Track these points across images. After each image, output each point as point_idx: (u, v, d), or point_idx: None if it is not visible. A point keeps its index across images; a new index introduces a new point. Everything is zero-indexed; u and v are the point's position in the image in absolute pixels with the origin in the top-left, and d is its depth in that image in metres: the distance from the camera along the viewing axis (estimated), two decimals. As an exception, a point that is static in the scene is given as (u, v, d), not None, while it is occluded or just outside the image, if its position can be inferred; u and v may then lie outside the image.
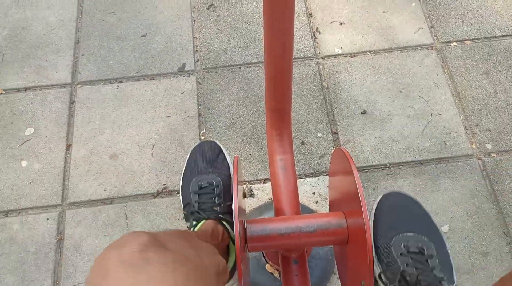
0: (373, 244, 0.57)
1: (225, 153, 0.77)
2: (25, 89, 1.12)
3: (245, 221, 0.57)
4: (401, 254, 0.53)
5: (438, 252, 0.54)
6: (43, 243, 0.92)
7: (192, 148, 0.79)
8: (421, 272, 0.50)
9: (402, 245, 0.54)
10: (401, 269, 0.51)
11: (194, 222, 0.67)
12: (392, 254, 0.53)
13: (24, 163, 1.01)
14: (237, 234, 0.51)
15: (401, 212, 0.59)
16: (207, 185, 0.70)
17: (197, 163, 0.74)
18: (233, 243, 0.66)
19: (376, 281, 0.55)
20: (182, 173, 0.76)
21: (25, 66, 1.15)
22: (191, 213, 0.69)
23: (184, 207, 0.72)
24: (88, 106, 1.09)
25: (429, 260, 0.52)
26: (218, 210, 0.67)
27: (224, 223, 0.67)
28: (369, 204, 0.91)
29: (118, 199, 0.97)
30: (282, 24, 0.52)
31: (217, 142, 0.78)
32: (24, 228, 0.94)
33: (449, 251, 0.56)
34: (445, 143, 1.02)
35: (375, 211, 0.60)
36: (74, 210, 0.96)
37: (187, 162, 0.77)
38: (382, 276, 0.54)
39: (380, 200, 0.61)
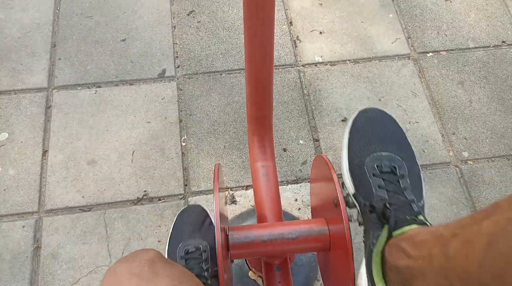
0: (348, 162, 0.55)
1: (211, 218, 0.77)
2: (-1, 93, 1.08)
3: (227, 228, 0.57)
4: (373, 174, 0.51)
5: (410, 172, 0.52)
6: (18, 251, 0.89)
7: (178, 213, 0.79)
8: (392, 195, 0.49)
9: (375, 165, 0.52)
10: (373, 192, 0.50)
11: None
12: (365, 174, 0.52)
13: (-3, 170, 0.98)
14: (218, 240, 0.51)
15: (376, 129, 0.56)
16: (194, 250, 0.69)
17: (184, 228, 0.74)
18: None
19: (348, 201, 0.54)
20: (168, 237, 0.75)
21: (-1, 70, 1.11)
22: None
23: None
24: (65, 111, 1.06)
25: (400, 180, 0.50)
26: (206, 275, 0.67)
27: None
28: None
29: (96, 206, 0.95)
30: (262, 32, 0.53)
31: (204, 206, 0.79)
32: (-4, 237, 0.91)
33: (420, 168, 0.55)
34: (423, 151, 1.05)
35: (351, 127, 0.57)
36: (52, 217, 0.93)
37: (173, 226, 0.77)
38: (356, 197, 0.53)
39: (356, 116, 0.58)
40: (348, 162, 0.55)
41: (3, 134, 1.03)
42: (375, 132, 0.56)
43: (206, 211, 0.78)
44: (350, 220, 0.51)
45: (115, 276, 0.39)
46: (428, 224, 0.45)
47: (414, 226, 0.43)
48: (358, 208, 0.53)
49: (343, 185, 0.56)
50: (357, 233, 0.90)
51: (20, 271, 0.87)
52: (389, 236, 0.44)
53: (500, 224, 0.29)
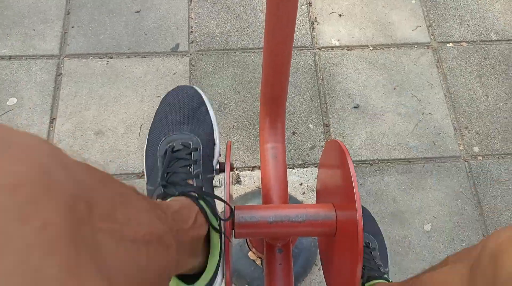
0: None
1: (207, 105, 0.57)
2: (10, 57, 1.07)
3: (233, 206, 0.56)
4: None
5: (380, 246, 0.73)
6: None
7: (165, 94, 0.59)
8: (366, 261, 0.66)
9: None
10: None
11: (159, 201, 0.47)
12: None
13: (5, 134, 0.98)
14: (227, 217, 0.50)
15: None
16: (181, 147, 0.50)
17: (169, 117, 0.54)
18: (215, 231, 0.47)
19: None
20: (148, 131, 0.56)
21: (10, 34, 1.10)
22: (157, 188, 0.48)
23: (148, 178, 0.52)
24: (75, 80, 1.05)
25: (372, 252, 0.69)
26: (194, 183, 0.49)
27: (201, 202, 0.46)
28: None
29: (101, 177, 0.95)
30: (286, 11, 0.51)
31: (198, 88, 0.58)
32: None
33: (386, 243, 0.77)
34: (434, 143, 1.03)
35: None
36: (55, 185, 0.93)
37: (156, 114, 0.57)
38: None
39: None
40: None
41: (11, 99, 1.02)
42: None
43: (200, 95, 0.58)
44: None
45: None
46: (390, 280, 0.65)
47: (380, 281, 0.63)
48: None
49: None
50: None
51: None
52: None
53: None
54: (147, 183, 0.52)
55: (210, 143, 0.54)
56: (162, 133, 0.53)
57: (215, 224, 0.47)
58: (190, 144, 0.51)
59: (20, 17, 1.12)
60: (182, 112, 0.54)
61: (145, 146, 0.55)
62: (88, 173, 0.26)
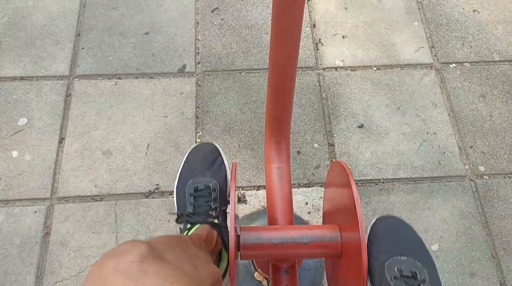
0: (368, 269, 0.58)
1: (223, 157, 0.76)
2: (21, 78, 1.10)
3: (238, 228, 0.57)
4: (394, 277, 0.54)
5: (430, 278, 0.55)
6: (28, 236, 0.90)
7: (191, 148, 0.78)
8: None
9: (395, 268, 0.54)
10: None
11: (189, 225, 0.66)
12: (386, 277, 0.54)
13: (14, 154, 1.00)
14: (232, 242, 0.50)
15: (395, 235, 0.60)
16: (204, 188, 0.69)
17: (195, 165, 0.73)
18: (226, 249, 0.65)
19: None
20: (178, 174, 0.74)
21: (22, 55, 1.13)
22: (186, 216, 0.68)
23: (178, 208, 0.71)
24: (84, 100, 1.07)
25: (421, 285, 0.53)
26: (213, 214, 0.66)
27: (218, 228, 0.66)
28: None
29: (108, 196, 0.96)
30: (290, 33, 0.53)
31: (216, 144, 0.77)
32: (10, 220, 0.92)
33: (440, 277, 0.57)
34: (439, 163, 1.03)
35: (369, 233, 0.61)
36: (63, 204, 0.94)
37: (184, 162, 0.76)
38: None
39: (374, 222, 0.62)
40: (368, 269, 0.56)
41: (22, 119, 1.04)
42: (394, 238, 0.59)
43: (218, 150, 0.76)
44: None
45: (100, 272, 0.35)
46: None
47: None
48: None
49: None
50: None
51: (28, 256, 0.88)
52: None
53: None
54: (177, 211, 0.70)
55: (224, 183, 0.72)
56: (190, 177, 0.72)
57: (227, 243, 0.65)
58: (210, 186, 0.69)
59: (32, 39, 1.16)
60: (204, 162, 0.73)
61: (175, 184, 0.74)
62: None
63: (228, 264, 0.63)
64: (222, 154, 0.76)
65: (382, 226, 0.61)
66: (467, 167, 1.03)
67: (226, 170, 0.73)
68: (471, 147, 1.06)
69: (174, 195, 0.73)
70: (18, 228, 0.91)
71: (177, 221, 0.69)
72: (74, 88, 1.09)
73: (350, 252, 0.54)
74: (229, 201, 0.71)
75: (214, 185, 0.69)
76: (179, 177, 0.74)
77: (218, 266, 0.65)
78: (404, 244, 0.59)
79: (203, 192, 0.68)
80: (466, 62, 1.18)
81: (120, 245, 0.38)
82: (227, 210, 0.70)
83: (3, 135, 1.02)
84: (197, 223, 0.65)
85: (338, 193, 0.60)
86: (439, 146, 1.05)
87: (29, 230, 0.91)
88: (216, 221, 0.65)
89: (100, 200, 0.95)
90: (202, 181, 0.69)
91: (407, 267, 0.54)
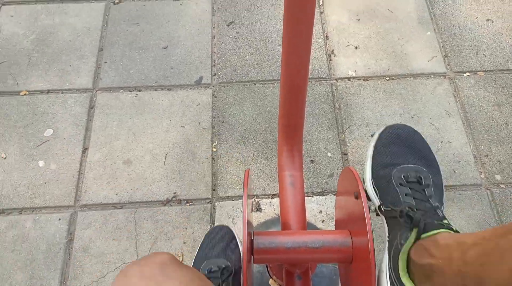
0: (371, 172, 0.60)
1: (237, 240, 0.79)
2: (48, 91, 1.16)
3: (252, 233, 0.59)
4: (400, 184, 0.56)
5: (434, 181, 0.57)
6: (53, 242, 0.94)
7: (207, 232, 0.82)
8: (418, 202, 0.53)
9: (402, 176, 0.57)
10: (400, 199, 0.54)
11: None
12: (392, 184, 0.56)
13: (41, 163, 1.05)
14: (244, 243, 0.53)
15: (403, 143, 0.60)
16: (217, 269, 0.72)
17: (210, 247, 0.77)
18: None
19: (377, 214, 0.59)
20: (195, 255, 0.78)
21: (49, 70, 1.19)
22: None
23: None
24: (106, 112, 1.12)
25: (426, 190, 0.55)
26: None
27: None
28: (374, 227, 0.92)
29: (128, 204, 0.99)
30: (300, 43, 0.55)
31: (232, 228, 0.81)
32: (36, 226, 0.96)
33: (443, 179, 0.60)
34: (454, 171, 1.03)
35: (377, 141, 0.62)
36: (86, 212, 0.98)
37: (201, 244, 0.79)
38: (382, 207, 0.57)
39: (383, 130, 0.63)
40: (371, 172, 0.60)
41: (48, 130, 1.10)
42: (403, 146, 0.60)
43: (233, 232, 0.80)
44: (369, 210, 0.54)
45: (126, 279, 0.39)
46: (452, 227, 0.50)
47: (441, 230, 0.48)
48: (383, 214, 0.57)
49: (367, 196, 0.58)
50: (380, 250, 0.89)
51: (53, 262, 0.92)
52: (417, 238, 0.49)
53: None
54: None
55: (238, 266, 0.74)
56: (204, 258, 0.75)
57: None
58: (223, 266, 0.72)
59: (58, 54, 1.22)
60: (219, 245, 0.77)
61: (192, 266, 0.76)
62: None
63: None
64: (236, 237, 0.79)
65: (390, 134, 0.61)
66: (482, 175, 1.03)
67: (240, 252, 0.76)
68: (487, 155, 1.05)
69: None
70: (44, 235, 0.95)
71: None
72: (97, 101, 1.14)
73: (360, 256, 0.55)
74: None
75: (228, 266, 0.71)
76: (194, 259, 0.77)
77: None
78: (411, 152, 0.60)
79: (216, 273, 0.70)
80: (480, 71, 1.18)
81: (144, 256, 0.43)
82: None
83: (30, 146, 1.07)
84: None
85: (348, 199, 0.61)
86: (453, 155, 1.05)
87: (54, 236, 0.95)
88: None
89: (121, 208, 0.99)
90: (216, 263, 0.72)
91: (413, 174, 0.56)
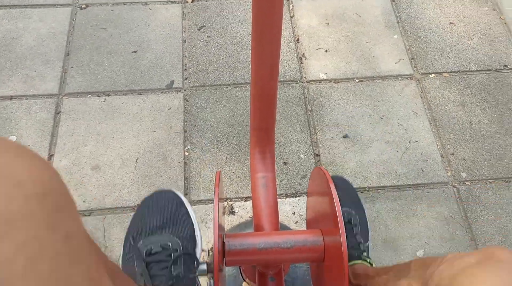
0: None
1: (187, 207, 0.59)
2: (11, 97, 1.12)
3: (224, 235, 0.58)
4: None
5: (360, 222, 0.74)
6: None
7: (143, 198, 0.61)
8: (347, 239, 0.59)
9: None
10: None
11: None
12: None
13: (4, 171, 1.00)
14: (216, 246, 0.52)
15: (338, 191, 0.67)
16: (160, 250, 0.51)
17: (147, 221, 0.54)
18: None
19: None
20: (125, 234, 0.56)
21: (12, 75, 1.15)
22: None
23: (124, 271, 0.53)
24: (73, 117, 1.09)
25: (354, 228, 0.71)
26: (175, 284, 0.50)
27: None
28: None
29: (97, 211, 0.96)
30: (269, 47, 0.55)
31: (177, 192, 0.60)
32: None
33: (367, 219, 0.76)
34: (422, 170, 1.06)
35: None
36: (52, 220, 0.95)
37: (133, 217, 0.57)
38: None
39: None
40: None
41: (11, 137, 1.05)
42: (338, 194, 0.73)
43: (180, 198, 0.60)
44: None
45: None
46: (368, 260, 0.66)
47: (358, 262, 0.65)
48: None
49: None
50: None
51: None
52: None
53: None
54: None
55: (191, 243, 0.55)
56: (139, 237, 0.54)
57: None
58: (169, 245, 0.52)
59: (22, 59, 1.18)
60: (161, 216, 0.55)
61: (122, 251, 0.56)
62: None
63: None
64: (185, 203, 0.60)
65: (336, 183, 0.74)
66: (449, 173, 1.06)
67: (193, 223, 0.58)
68: (453, 154, 1.09)
69: (120, 262, 0.54)
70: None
71: None
72: (63, 106, 1.11)
73: (332, 254, 0.55)
74: (199, 264, 0.55)
75: (175, 244, 0.52)
76: (125, 239, 0.56)
77: None
78: (344, 198, 0.74)
79: (159, 255, 0.50)
80: (445, 72, 1.22)
81: None
82: (197, 277, 0.53)
83: (-8, 154, 1.02)
84: None
85: (319, 198, 0.62)
86: (421, 154, 1.08)
87: (18, 247, 0.91)
88: None
89: (89, 215, 0.96)
90: (157, 241, 0.51)
91: (346, 216, 0.71)
